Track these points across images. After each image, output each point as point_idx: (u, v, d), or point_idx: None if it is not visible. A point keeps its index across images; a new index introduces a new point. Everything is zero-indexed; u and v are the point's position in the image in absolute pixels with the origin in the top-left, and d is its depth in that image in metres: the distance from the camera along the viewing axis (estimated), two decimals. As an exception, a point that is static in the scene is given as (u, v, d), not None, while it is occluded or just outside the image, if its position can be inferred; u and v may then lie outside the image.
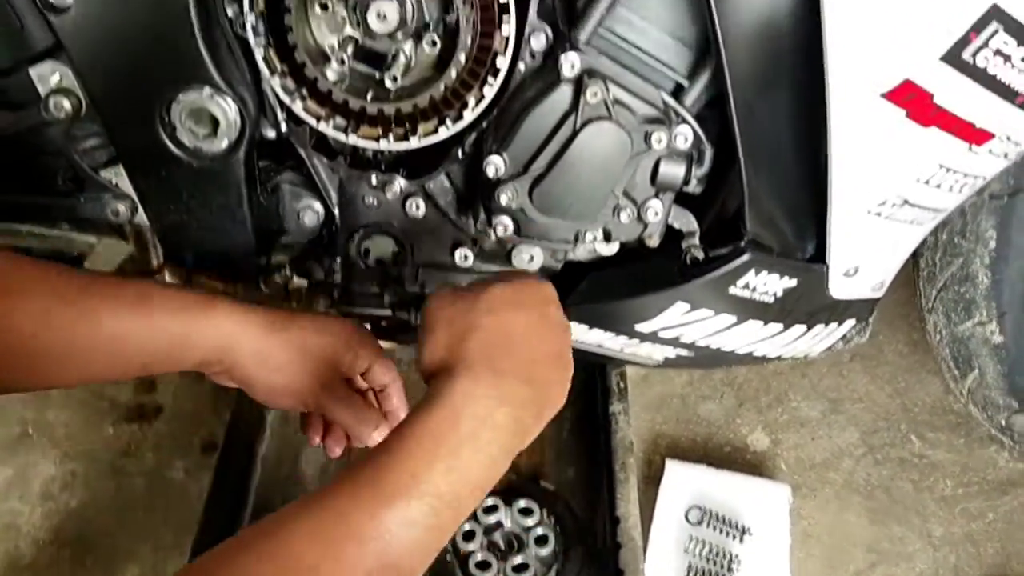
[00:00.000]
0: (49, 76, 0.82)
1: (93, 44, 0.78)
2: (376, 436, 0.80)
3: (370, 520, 0.51)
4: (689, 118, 0.80)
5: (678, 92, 0.80)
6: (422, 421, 0.57)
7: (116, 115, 0.84)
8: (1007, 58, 0.70)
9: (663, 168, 0.82)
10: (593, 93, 0.76)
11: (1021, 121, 0.76)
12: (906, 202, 0.85)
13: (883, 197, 0.83)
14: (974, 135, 0.78)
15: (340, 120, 0.84)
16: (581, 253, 0.98)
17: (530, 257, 0.97)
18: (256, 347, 0.74)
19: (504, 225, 0.86)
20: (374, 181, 0.92)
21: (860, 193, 0.82)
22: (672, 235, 0.91)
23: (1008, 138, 0.79)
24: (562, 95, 0.78)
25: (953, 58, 0.70)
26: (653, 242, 0.89)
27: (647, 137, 0.79)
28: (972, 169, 0.83)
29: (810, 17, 0.69)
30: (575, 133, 0.78)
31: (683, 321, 0.96)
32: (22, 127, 0.84)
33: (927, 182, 0.83)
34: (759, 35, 0.72)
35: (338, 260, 1.02)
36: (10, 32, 0.79)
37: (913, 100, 0.73)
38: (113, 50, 0.79)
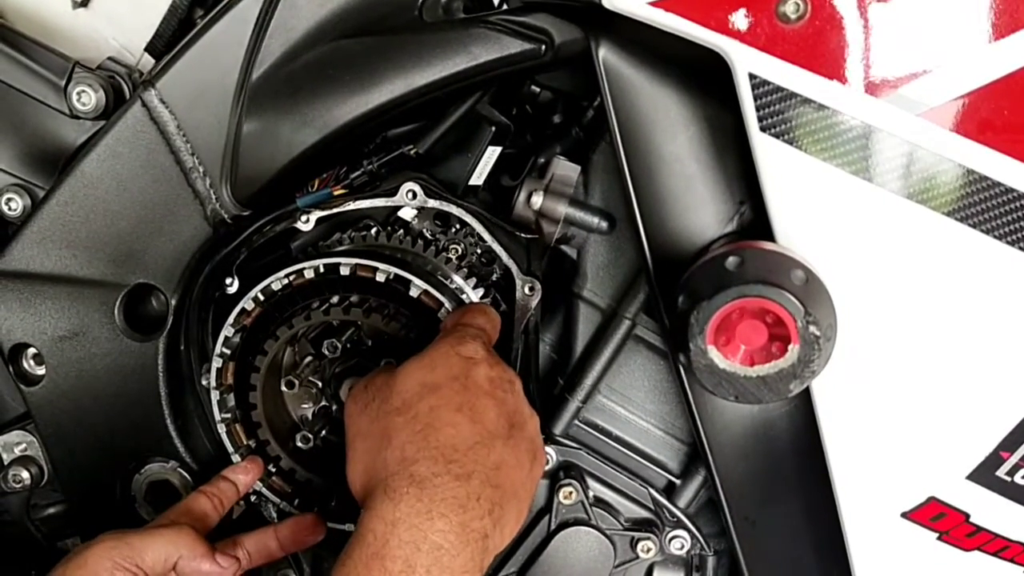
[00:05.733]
0: (14, 445, 0.80)
1: (61, 415, 0.77)
2: None
3: None
4: (685, 520, 0.70)
5: (671, 490, 0.71)
6: (344, 569, 0.48)
7: (76, 487, 0.80)
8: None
9: (657, 577, 0.71)
10: (567, 494, 0.67)
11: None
12: (962, 627, 0.70)
13: (930, 623, 0.68)
14: (1032, 558, 0.64)
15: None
16: None
17: None
18: None
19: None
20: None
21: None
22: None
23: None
24: (537, 493, 0.69)
25: (983, 477, 0.59)
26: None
27: (633, 544, 0.69)
28: (1041, 592, 0.69)
29: (808, 424, 0.61)
30: (549, 537, 0.68)
31: None
32: (-21, 498, 0.81)
33: (984, 606, 0.68)
34: (752, 441, 0.63)
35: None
36: (-18, 401, 0.79)
37: (944, 521, 0.62)
38: (80, 422, 0.77)
